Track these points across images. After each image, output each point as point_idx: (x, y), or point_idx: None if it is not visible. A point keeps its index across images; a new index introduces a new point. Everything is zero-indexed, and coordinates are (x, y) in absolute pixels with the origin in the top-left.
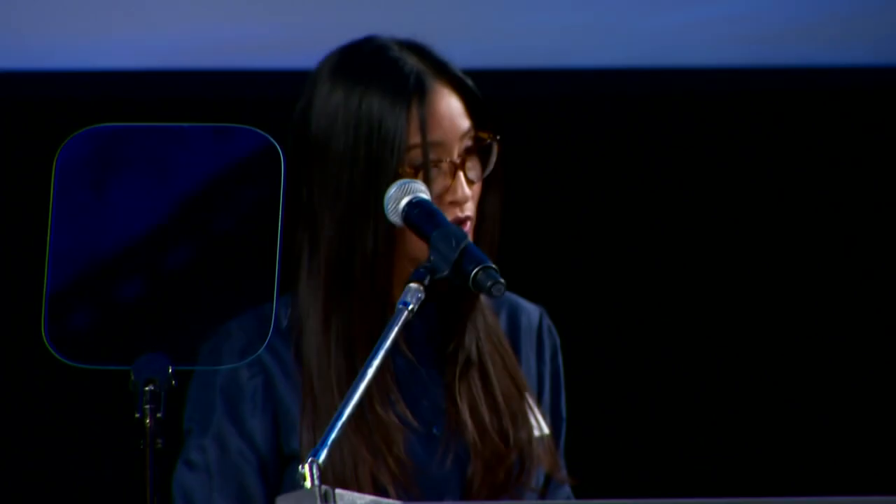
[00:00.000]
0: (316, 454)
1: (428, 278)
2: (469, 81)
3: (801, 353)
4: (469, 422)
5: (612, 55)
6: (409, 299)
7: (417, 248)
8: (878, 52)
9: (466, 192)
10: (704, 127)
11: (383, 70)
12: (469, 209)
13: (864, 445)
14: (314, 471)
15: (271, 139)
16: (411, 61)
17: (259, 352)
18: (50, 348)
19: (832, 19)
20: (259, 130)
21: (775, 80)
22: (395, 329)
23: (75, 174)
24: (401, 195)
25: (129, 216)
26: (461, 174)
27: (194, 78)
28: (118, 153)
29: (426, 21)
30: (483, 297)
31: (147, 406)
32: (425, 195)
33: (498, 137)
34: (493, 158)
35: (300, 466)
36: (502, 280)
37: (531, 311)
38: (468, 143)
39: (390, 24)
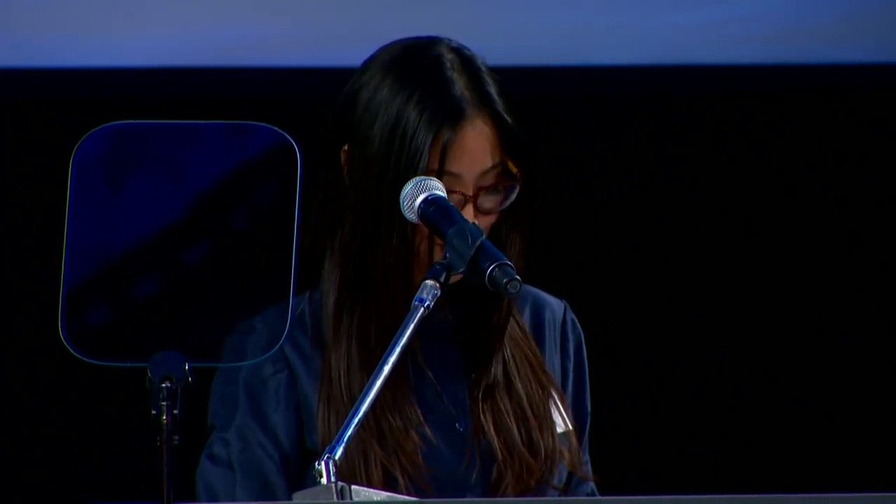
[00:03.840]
0: (332, 450)
1: (444, 275)
2: (509, 119)
3: (808, 347)
4: (494, 434)
5: (619, 53)
6: (424, 296)
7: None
8: (882, 49)
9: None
10: (709, 123)
11: (431, 86)
12: None
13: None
14: (330, 467)
15: (288, 137)
16: (459, 85)
17: (277, 346)
18: (67, 345)
19: (836, 18)
20: (276, 128)
21: (780, 78)
22: (412, 326)
23: (92, 171)
24: (416, 192)
25: (145, 213)
26: (470, 207)
27: (199, 76)
28: (135, 150)
29: (429, 20)
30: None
31: (163, 403)
32: (441, 192)
33: (521, 177)
34: (513, 197)
35: (316, 462)
36: (518, 277)
37: (555, 306)
38: (490, 180)
39: (393, 23)
